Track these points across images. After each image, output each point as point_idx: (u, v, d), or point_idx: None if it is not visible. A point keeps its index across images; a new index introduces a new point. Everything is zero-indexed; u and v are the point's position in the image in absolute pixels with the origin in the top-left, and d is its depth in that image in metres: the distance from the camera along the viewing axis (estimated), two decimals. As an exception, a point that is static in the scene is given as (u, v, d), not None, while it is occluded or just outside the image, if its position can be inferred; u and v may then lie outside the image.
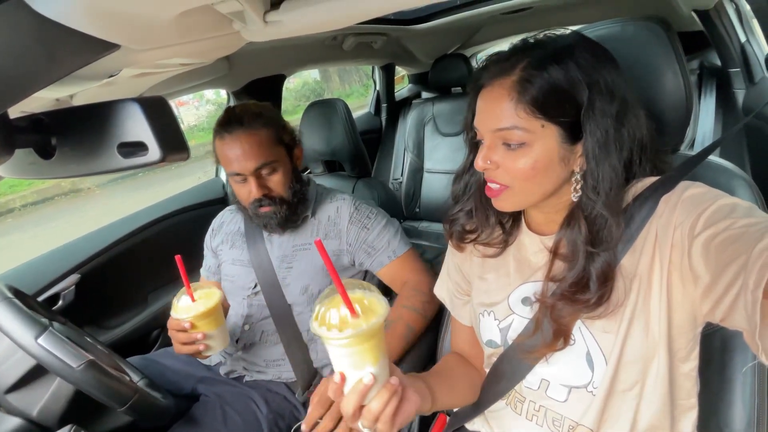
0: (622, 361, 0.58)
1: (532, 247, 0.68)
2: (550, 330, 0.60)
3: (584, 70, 0.55)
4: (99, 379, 0.78)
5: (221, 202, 1.67)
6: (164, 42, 0.52)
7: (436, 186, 2.28)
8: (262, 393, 1.08)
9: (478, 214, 0.70)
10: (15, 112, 0.49)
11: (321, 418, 0.75)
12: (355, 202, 1.12)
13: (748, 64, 1.67)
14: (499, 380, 0.70)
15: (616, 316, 0.58)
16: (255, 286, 1.13)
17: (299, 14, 0.54)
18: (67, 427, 0.78)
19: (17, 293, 0.91)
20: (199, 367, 1.16)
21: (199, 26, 0.53)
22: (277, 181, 1.03)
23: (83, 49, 0.43)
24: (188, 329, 0.91)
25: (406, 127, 2.38)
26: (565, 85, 0.55)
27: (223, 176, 1.77)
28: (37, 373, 0.83)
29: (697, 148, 0.65)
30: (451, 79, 2.29)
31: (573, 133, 0.56)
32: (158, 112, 0.40)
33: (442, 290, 0.83)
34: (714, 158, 0.69)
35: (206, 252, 1.27)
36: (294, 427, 0.98)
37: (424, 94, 2.81)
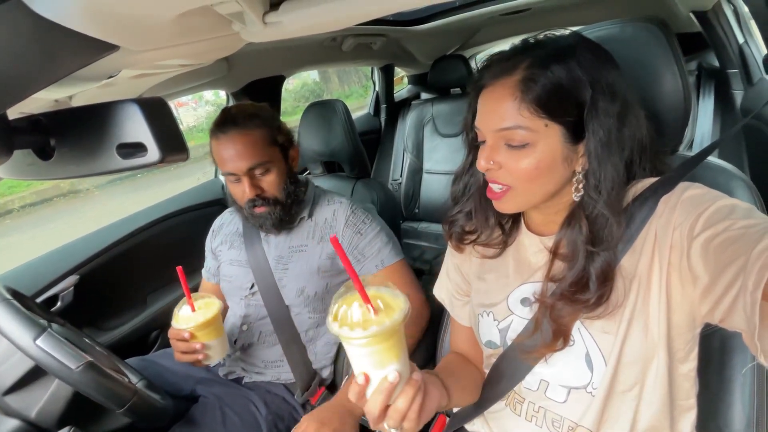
0: (622, 362, 0.58)
1: (532, 248, 0.68)
2: (550, 330, 0.60)
3: (586, 69, 0.55)
4: (98, 380, 0.78)
5: (220, 203, 1.67)
6: (163, 43, 0.52)
7: (435, 187, 2.28)
8: (261, 394, 1.08)
9: (477, 215, 0.70)
10: (14, 113, 0.49)
11: None
12: (352, 206, 1.11)
13: (746, 65, 1.67)
14: (498, 381, 0.70)
15: (616, 316, 0.58)
16: (252, 286, 1.13)
17: (298, 15, 0.54)
18: (66, 428, 0.78)
19: (16, 294, 0.90)
20: (198, 368, 1.16)
21: (199, 27, 0.53)
22: (270, 182, 1.03)
23: (82, 50, 0.43)
24: (188, 339, 0.94)
25: (406, 127, 2.38)
26: (568, 84, 0.55)
27: (222, 177, 1.77)
28: (35, 374, 0.83)
29: (696, 149, 0.65)
30: (450, 80, 2.29)
31: (575, 133, 0.57)
32: (157, 113, 0.40)
33: (441, 291, 0.83)
34: (713, 159, 0.69)
35: (207, 254, 1.27)
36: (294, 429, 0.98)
37: (424, 95, 2.81)
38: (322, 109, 1.38)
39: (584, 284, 0.57)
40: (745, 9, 1.69)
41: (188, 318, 0.93)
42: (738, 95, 1.74)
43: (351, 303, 0.51)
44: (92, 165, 0.41)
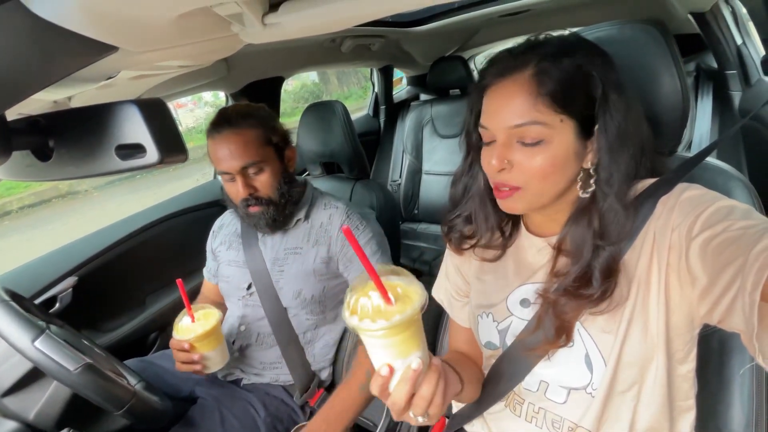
0: (621, 363, 0.58)
1: (531, 249, 0.68)
2: (552, 327, 0.60)
3: (595, 65, 0.56)
4: (96, 382, 0.78)
5: (219, 204, 1.67)
6: (162, 44, 0.52)
7: (434, 188, 2.28)
8: (260, 396, 1.08)
9: (477, 219, 0.70)
10: (12, 114, 0.49)
11: None
12: (348, 211, 1.10)
13: (744, 66, 1.68)
14: (498, 381, 0.70)
15: (616, 316, 0.58)
16: (249, 286, 1.13)
17: (298, 16, 0.54)
18: (64, 430, 0.78)
19: (14, 296, 0.90)
20: (198, 371, 1.16)
21: (198, 28, 0.53)
22: (264, 182, 1.02)
23: (81, 51, 0.43)
24: (188, 350, 0.96)
25: (405, 129, 2.39)
26: (579, 78, 0.55)
27: (220, 178, 1.76)
28: (33, 376, 0.83)
29: (694, 150, 0.66)
30: (449, 81, 2.29)
31: (585, 129, 0.57)
32: (156, 114, 0.40)
33: (440, 292, 0.83)
34: (711, 160, 0.69)
35: (208, 254, 1.27)
36: (293, 430, 0.98)
37: (423, 96, 2.82)
38: (321, 110, 1.38)
39: (588, 279, 0.57)
40: (743, 10, 1.69)
41: (188, 329, 0.96)
42: (736, 96, 1.75)
43: (368, 294, 0.49)
44: (91, 166, 0.41)
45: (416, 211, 2.34)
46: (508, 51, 0.60)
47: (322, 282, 1.09)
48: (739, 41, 1.72)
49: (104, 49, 0.44)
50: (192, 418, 1.01)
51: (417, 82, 2.80)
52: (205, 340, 0.96)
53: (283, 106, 1.90)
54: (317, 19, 0.56)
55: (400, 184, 2.38)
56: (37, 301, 1.15)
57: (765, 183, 0.90)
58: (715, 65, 1.89)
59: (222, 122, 1.01)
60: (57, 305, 1.19)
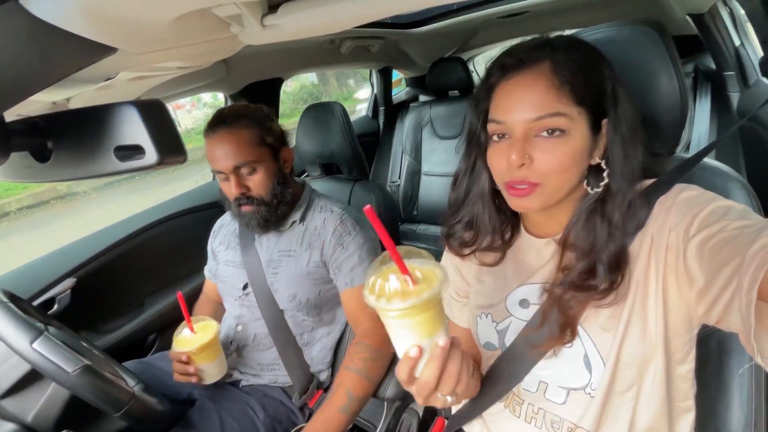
0: (620, 363, 0.58)
1: (531, 250, 0.68)
2: (557, 323, 0.60)
3: (601, 61, 0.57)
4: (95, 384, 0.77)
5: (218, 205, 1.67)
6: (162, 45, 0.52)
7: (433, 189, 2.28)
8: (259, 398, 1.08)
9: (479, 222, 0.69)
10: (11, 115, 0.49)
11: None
12: (342, 216, 1.09)
13: (742, 68, 1.68)
14: (496, 382, 0.70)
15: (616, 314, 0.58)
16: (245, 287, 1.13)
17: (297, 18, 0.54)
18: (63, 432, 0.78)
19: (12, 297, 0.90)
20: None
21: (197, 30, 0.53)
22: (256, 182, 1.03)
23: (80, 53, 0.43)
24: (186, 361, 0.97)
25: (404, 130, 2.39)
26: (592, 72, 0.56)
27: (219, 179, 1.76)
28: (32, 378, 0.82)
29: (693, 151, 0.66)
30: (448, 82, 2.29)
31: (595, 123, 0.57)
32: (155, 115, 0.40)
33: None
34: (710, 161, 0.70)
35: (209, 254, 1.28)
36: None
37: (422, 98, 2.82)
38: (321, 112, 1.38)
39: (595, 271, 0.57)
40: (741, 11, 1.70)
41: (186, 341, 0.99)
42: (734, 97, 1.75)
43: (389, 276, 0.48)
44: (90, 167, 0.41)
45: (415, 212, 2.34)
46: (522, 44, 0.60)
47: (318, 285, 1.09)
48: (737, 42, 1.73)
49: (103, 51, 0.45)
50: (191, 420, 1.01)
51: (416, 83, 2.81)
52: (202, 352, 0.97)
53: (282, 108, 1.90)
54: (316, 21, 0.56)
55: (399, 185, 2.38)
56: (35, 303, 1.14)
57: (763, 184, 0.90)
58: (713, 66, 1.89)
59: (218, 122, 1.02)
60: (55, 307, 1.18)
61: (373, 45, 1.99)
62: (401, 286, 0.47)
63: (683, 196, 0.56)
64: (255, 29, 0.56)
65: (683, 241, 0.53)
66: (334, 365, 1.15)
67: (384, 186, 2.36)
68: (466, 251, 0.72)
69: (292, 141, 1.15)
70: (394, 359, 1.09)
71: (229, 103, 1.69)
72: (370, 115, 2.72)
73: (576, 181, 0.59)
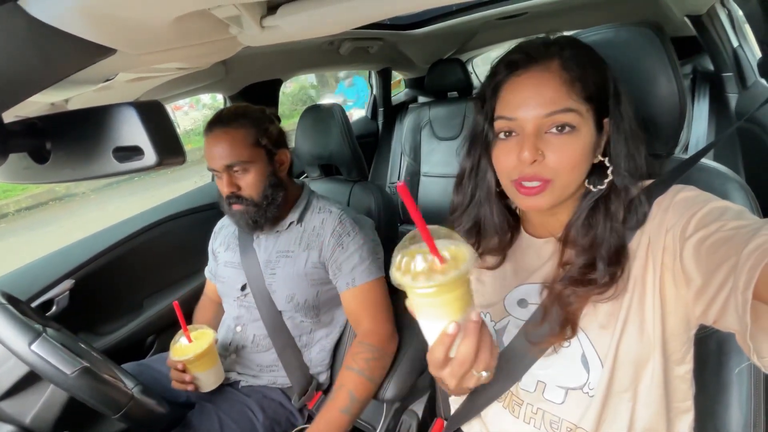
0: (618, 363, 0.58)
1: (530, 250, 0.68)
2: (558, 319, 0.60)
3: (603, 60, 0.58)
4: (93, 385, 0.77)
5: (216, 207, 1.67)
6: (161, 46, 0.52)
7: (433, 190, 2.28)
8: (258, 399, 1.07)
9: (485, 224, 0.69)
10: (9, 116, 0.49)
11: None
12: (341, 216, 1.09)
13: (740, 69, 1.69)
14: (493, 382, 0.70)
15: (614, 312, 0.58)
16: (244, 287, 1.13)
17: (296, 19, 0.54)
18: (61, 434, 0.78)
19: (10, 299, 0.90)
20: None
21: (196, 31, 0.53)
22: (248, 182, 1.03)
23: (79, 54, 0.43)
24: (182, 370, 0.99)
25: (403, 131, 2.39)
26: (597, 71, 0.57)
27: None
28: (30, 379, 0.82)
29: (691, 152, 0.66)
30: (447, 83, 2.29)
31: (598, 122, 0.58)
32: (154, 116, 0.40)
33: None
34: (708, 162, 0.70)
35: (209, 255, 1.28)
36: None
37: (421, 99, 2.82)
38: (320, 113, 1.38)
39: (595, 265, 0.58)
40: (740, 13, 1.70)
41: (182, 350, 1.00)
42: (732, 98, 1.76)
43: (416, 255, 0.47)
44: (88, 168, 0.41)
45: (415, 213, 2.34)
46: (532, 42, 0.60)
47: (316, 287, 1.09)
48: (735, 44, 1.73)
49: (102, 52, 0.45)
50: (190, 422, 1.01)
51: (415, 84, 2.81)
52: (197, 361, 0.98)
53: (282, 109, 1.90)
54: (315, 22, 0.56)
55: (398, 186, 2.38)
56: (33, 304, 1.14)
57: (761, 184, 0.90)
58: (711, 68, 1.90)
59: (215, 121, 1.03)
60: (54, 308, 1.18)
61: (372, 46, 1.99)
62: (431, 265, 0.46)
63: (680, 196, 0.56)
64: (254, 30, 0.56)
65: (680, 242, 0.53)
66: (333, 367, 1.15)
67: (383, 187, 2.36)
68: None
69: (292, 143, 1.15)
70: (395, 360, 1.09)
71: (228, 104, 1.69)
72: (369, 116, 2.72)
73: (583, 177, 0.60)
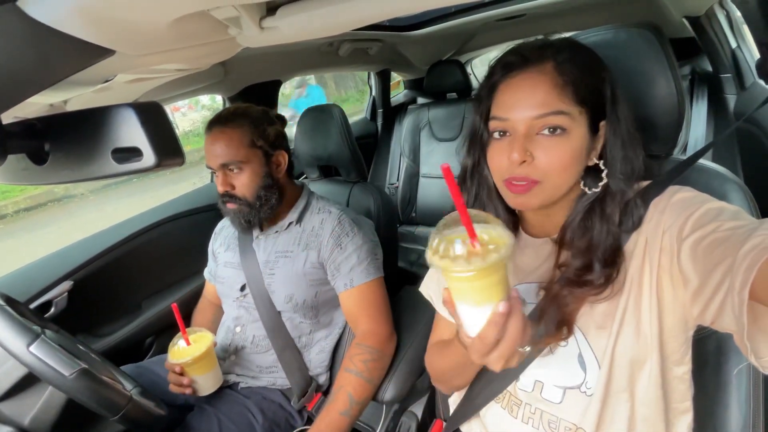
0: (615, 363, 0.59)
1: (527, 250, 0.68)
2: (554, 320, 0.60)
3: (600, 63, 0.58)
4: (92, 387, 0.77)
5: (215, 208, 1.67)
6: (160, 48, 0.52)
7: (432, 190, 2.28)
8: (258, 401, 1.07)
9: None
10: (8, 117, 0.49)
11: None
12: (340, 217, 1.09)
13: (739, 70, 1.69)
14: (491, 380, 0.71)
15: (611, 313, 0.59)
16: (243, 288, 1.13)
17: (295, 20, 0.54)
18: (59, 436, 0.77)
19: (9, 300, 0.89)
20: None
21: (195, 32, 0.53)
22: (242, 182, 1.03)
23: (78, 55, 0.43)
24: (179, 373, 0.98)
25: (402, 132, 2.39)
26: (592, 74, 0.57)
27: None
28: (28, 381, 0.82)
29: (690, 153, 0.66)
30: (446, 84, 2.30)
31: (593, 125, 0.58)
32: (153, 117, 0.40)
33: (429, 289, 0.82)
34: (707, 163, 0.70)
35: (209, 256, 1.28)
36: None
37: (420, 100, 2.82)
38: (319, 114, 1.38)
39: (591, 266, 0.58)
40: (738, 14, 1.71)
41: (180, 352, 0.99)
42: (731, 99, 1.76)
43: (456, 240, 0.46)
44: (87, 170, 0.41)
45: (414, 214, 2.34)
46: (527, 44, 0.60)
47: (314, 287, 1.09)
48: (733, 45, 1.74)
49: (101, 53, 0.44)
50: (189, 424, 1.00)
51: (414, 85, 2.81)
52: (195, 364, 0.98)
53: (280, 110, 1.90)
54: (314, 23, 0.56)
55: (397, 187, 2.38)
56: (32, 306, 1.14)
57: (760, 185, 0.90)
58: (710, 69, 1.90)
59: (215, 120, 1.04)
60: (52, 310, 1.18)
61: (372, 48, 1.99)
62: (471, 249, 0.45)
63: (677, 197, 0.57)
64: (253, 32, 0.56)
65: (677, 242, 0.53)
66: (332, 368, 1.15)
67: (382, 188, 2.36)
68: None
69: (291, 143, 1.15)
70: (394, 361, 1.09)
71: (228, 105, 1.69)
72: (368, 117, 2.72)
73: (575, 180, 0.60)
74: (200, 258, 1.29)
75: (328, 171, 1.50)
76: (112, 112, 0.39)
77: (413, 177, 2.33)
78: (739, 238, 0.47)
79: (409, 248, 2.17)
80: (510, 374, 0.68)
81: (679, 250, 0.53)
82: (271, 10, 0.56)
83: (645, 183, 0.61)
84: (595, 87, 0.57)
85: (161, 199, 1.63)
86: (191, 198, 1.67)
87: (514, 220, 0.71)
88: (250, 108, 1.07)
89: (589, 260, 0.59)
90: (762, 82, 1.55)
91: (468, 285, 0.46)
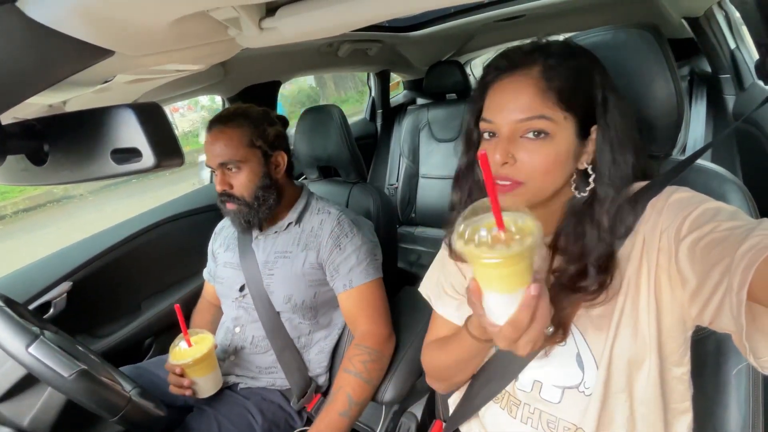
0: (613, 364, 0.59)
1: None
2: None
3: (596, 68, 0.58)
4: (91, 388, 0.77)
5: (215, 208, 1.66)
6: (159, 48, 0.52)
7: (431, 191, 2.28)
8: (257, 402, 1.07)
9: None
10: (7, 118, 0.49)
11: None
12: (339, 217, 1.10)
13: (737, 70, 1.70)
14: (489, 380, 0.71)
15: (608, 314, 0.59)
16: (242, 288, 1.13)
17: (295, 21, 0.54)
18: (58, 437, 0.77)
19: (8, 301, 0.89)
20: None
21: (195, 33, 0.53)
22: (240, 181, 1.04)
23: (77, 55, 0.43)
24: (180, 374, 0.98)
25: (402, 132, 2.39)
26: (582, 79, 0.57)
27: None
28: (27, 382, 0.82)
29: (689, 154, 0.66)
30: (445, 85, 2.30)
31: (583, 129, 0.58)
32: (152, 118, 0.40)
33: (427, 288, 0.82)
34: (706, 163, 0.70)
35: (209, 256, 1.28)
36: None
37: (419, 101, 2.82)
38: (318, 115, 1.38)
39: (585, 273, 0.58)
40: (737, 14, 1.71)
41: (181, 354, 0.99)
42: (730, 100, 1.76)
43: (483, 226, 0.46)
44: (86, 170, 0.41)
45: (413, 215, 2.34)
46: (517, 48, 0.61)
47: (313, 288, 1.09)
48: (732, 45, 1.74)
49: (100, 53, 0.44)
50: (188, 425, 1.00)
51: (414, 86, 2.81)
52: (196, 366, 0.98)
53: (280, 111, 1.90)
54: (314, 24, 0.56)
55: (397, 187, 2.38)
56: (31, 307, 1.14)
57: (759, 186, 0.90)
58: (708, 69, 1.91)
59: (216, 119, 1.04)
60: (51, 311, 1.17)
61: (371, 48, 1.99)
62: (506, 235, 0.45)
63: (674, 198, 0.57)
64: (253, 32, 0.56)
65: (674, 243, 0.53)
66: (332, 369, 1.15)
67: (382, 189, 2.36)
68: None
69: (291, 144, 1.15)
70: (393, 362, 1.09)
71: (227, 106, 1.69)
72: (367, 118, 2.72)
73: (561, 183, 0.60)
74: (200, 259, 1.29)
75: (327, 171, 1.50)
76: (112, 112, 0.39)
77: (413, 178, 2.34)
78: (737, 238, 0.47)
79: (408, 249, 2.17)
80: (508, 373, 0.68)
81: (677, 251, 0.53)
82: (270, 10, 0.56)
83: (642, 183, 0.61)
84: (585, 92, 0.58)
85: (161, 199, 1.63)
86: (191, 199, 1.67)
87: None
88: (251, 108, 1.07)
89: (583, 266, 0.59)
90: (761, 83, 1.55)
91: (499, 272, 0.46)
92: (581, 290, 0.58)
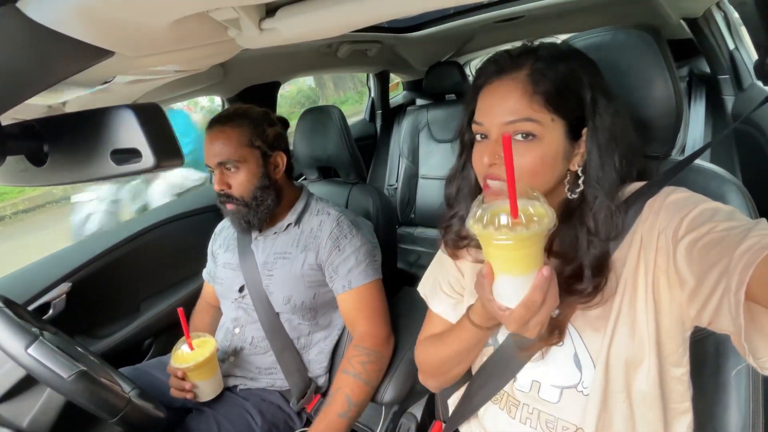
0: (610, 364, 0.59)
1: None
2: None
3: (586, 71, 0.58)
4: (90, 389, 0.77)
5: (214, 209, 1.66)
6: (159, 49, 0.52)
7: (431, 192, 2.28)
8: (257, 403, 1.07)
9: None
10: (6, 118, 0.49)
11: None
12: (339, 218, 1.09)
13: (736, 71, 1.70)
14: (488, 380, 0.71)
15: (605, 315, 0.59)
16: (242, 289, 1.13)
17: (294, 22, 0.54)
18: (58, 438, 0.77)
19: (7, 302, 0.89)
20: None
21: (194, 33, 0.53)
22: (238, 181, 1.04)
23: (77, 56, 0.43)
24: (181, 377, 0.98)
25: (401, 133, 2.39)
26: (571, 82, 0.58)
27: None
28: (27, 383, 0.82)
29: (688, 154, 0.66)
30: (445, 86, 2.30)
31: (574, 131, 0.59)
32: (152, 118, 0.40)
33: (425, 287, 0.83)
34: (705, 164, 0.70)
35: (209, 257, 1.28)
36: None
37: (419, 101, 2.83)
38: (318, 115, 1.38)
39: (580, 275, 0.59)
40: (736, 15, 1.72)
41: (183, 357, 0.99)
42: (729, 100, 1.77)
43: (500, 212, 0.47)
44: (86, 171, 0.41)
45: (413, 215, 2.34)
46: (506, 52, 0.62)
47: (313, 289, 1.09)
48: (731, 46, 1.74)
49: (100, 54, 0.44)
50: (188, 426, 1.00)
51: (413, 87, 2.81)
52: (197, 370, 0.98)
53: (280, 111, 1.90)
54: (313, 25, 0.56)
55: (396, 188, 2.38)
56: (30, 308, 1.13)
57: (758, 186, 0.91)
58: (707, 70, 1.91)
59: (216, 119, 1.04)
60: (50, 312, 1.17)
61: (371, 49, 2.00)
62: (523, 218, 0.46)
63: (672, 198, 0.57)
64: (252, 33, 0.56)
65: (672, 243, 0.54)
66: (331, 370, 1.15)
67: (381, 189, 2.37)
68: (462, 245, 0.73)
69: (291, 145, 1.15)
70: (393, 362, 1.09)
71: (227, 106, 1.69)
72: (367, 118, 2.72)
73: (551, 184, 0.61)
74: (199, 259, 1.29)
75: (327, 172, 1.50)
76: (112, 113, 0.39)
77: (412, 178, 2.34)
78: (735, 238, 0.47)
79: (408, 249, 2.17)
80: (507, 373, 0.68)
81: (675, 251, 0.53)
82: (270, 11, 0.56)
83: (640, 184, 0.61)
84: (574, 95, 0.58)
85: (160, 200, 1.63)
86: (190, 199, 1.67)
87: None
88: (251, 109, 1.08)
89: (577, 269, 0.59)
90: (760, 83, 1.56)
91: (516, 253, 0.47)
92: (577, 293, 0.59)
